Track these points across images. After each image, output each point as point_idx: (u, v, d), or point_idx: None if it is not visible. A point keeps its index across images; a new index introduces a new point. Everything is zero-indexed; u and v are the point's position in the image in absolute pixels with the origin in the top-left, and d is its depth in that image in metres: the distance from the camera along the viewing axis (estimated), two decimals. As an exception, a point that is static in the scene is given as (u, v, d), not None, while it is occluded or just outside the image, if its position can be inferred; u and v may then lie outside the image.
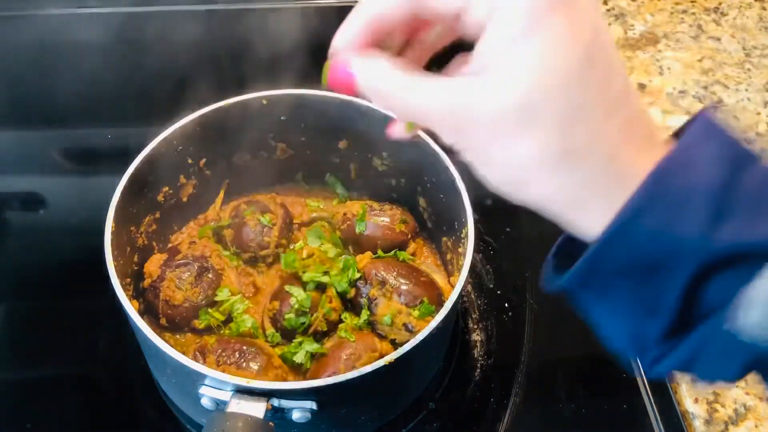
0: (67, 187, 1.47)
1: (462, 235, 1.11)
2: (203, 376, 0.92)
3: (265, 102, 1.21)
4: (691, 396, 1.15)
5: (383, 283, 1.13)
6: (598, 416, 1.18)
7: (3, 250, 1.37)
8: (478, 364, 1.23)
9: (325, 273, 1.17)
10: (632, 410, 1.18)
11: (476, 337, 1.26)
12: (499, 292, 1.31)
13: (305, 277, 1.16)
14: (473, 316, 1.28)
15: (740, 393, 1.15)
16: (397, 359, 0.94)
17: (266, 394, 0.91)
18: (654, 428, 1.16)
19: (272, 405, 0.91)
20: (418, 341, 0.95)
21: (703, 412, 1.14)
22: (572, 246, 0.62)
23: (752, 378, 1.14)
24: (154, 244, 1.21)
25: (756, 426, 1.12)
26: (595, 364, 1.26)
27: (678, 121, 1.52)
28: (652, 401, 1.18)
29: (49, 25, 1.76)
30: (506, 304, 1.30)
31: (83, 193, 1.44)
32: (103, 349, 1.22)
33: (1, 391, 1.18)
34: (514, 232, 1.41)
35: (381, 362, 0.94)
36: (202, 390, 0.92)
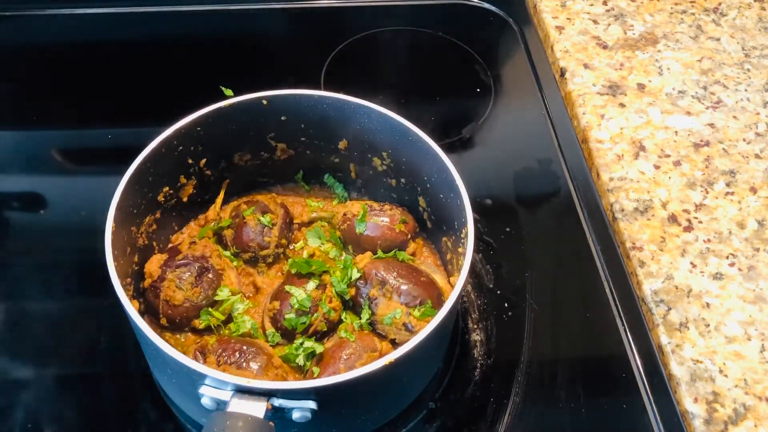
0: (67, 187, 1.47)
1: (462, 235, 1.11)
2: (203, 376, 0.92)
3: (265, 102, 1.21)
4: (690, 396, 1.15)
5: (383, 283, 1.13)
6: (598, 416, 1.18)
7: (3, 250, 1.37)
8: (478, 364, 1.23)
9: (325, 272, 1.17)
10: (632, 410, 1.18)
11: (476, 337, 1.26)
12: (499, 292, 1.31)
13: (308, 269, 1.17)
14: (473, 316, 1.28)
15: (740, 393, 1.15)
16: (397, 359, 0.94)
17: (266, 394, 0.91)
18: (654, 428, 1.16)
19: (272, 405, 0.91)
20: (418, 341, 0.95)
21: (703, 411, 1.14)
22: None
23: (752, 378, 1.15)
24: (155, 244, 1.21)
25: (755, 426, 1.12)
26: (595, 364, 1.26)
27: (677, 121, 1.52)
28: (652, 401, 1.18)
29: (49, 25, 1.77)
30: (506, 304, 1.30)
31: (83, 193, 1.45)
32: (103, 349, 1.22)
33: (1, 391, 1.18)
34: (514, 232, 1.41)
35: (381, 362, 0.94)
36: (202, 390, 0.92)
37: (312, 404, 0.93)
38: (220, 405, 0.92)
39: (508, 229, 1.41)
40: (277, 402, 0.91)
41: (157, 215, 1.20)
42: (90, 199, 1.40)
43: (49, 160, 1.50)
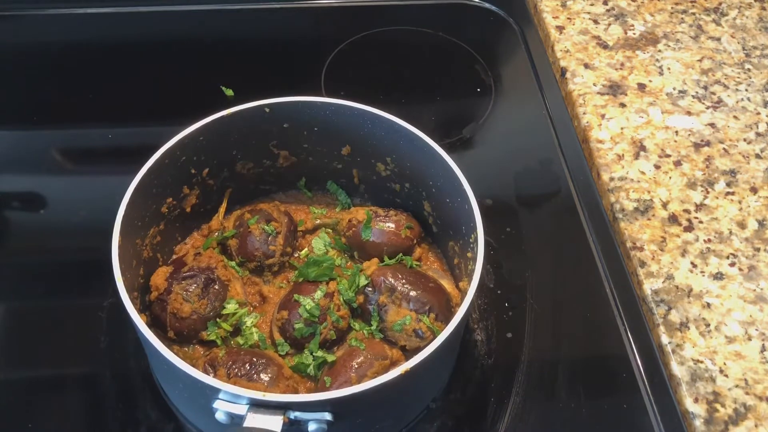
0: (67, 187, 1.46)
1: (471, 240, 1.11)
2: (217, 391, 0.91)
3: (267, 110, 1.20)
4: (691, 396, 1.16)
5: (392, 290, 1.13)
6: (598, 416, 1.19)
7: (3, 250, 1.37)
8: (479, 364, 1.23)
9: (332, 279, 1.18)
10: (632, 410, 1.19)
11: (476, 337, 1.26)
12: (499, 292, 1.32)
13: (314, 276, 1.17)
14: (473, 316, 1.28)
15: (740, 393, 1.16)
16: (413, 368, 0.94)
17: (283, 407, 0.91)
18: (654, 428, 1.17)
19: (289, 418, 0.91)
20: (433, 348, 0.95)
21: (703, 412, 1.14)
22: None
23: (752, 378, 1.15)
24: (159, 256, 1.21)
25: (756, 426, 1.13)
26: (595, 364, 1.27)
27: (678, 121, 1.52)
28: (652, 401, 1.19)
29: (49, 25, 1.76)
30: (506, 304, 1.30)
31: (83, 193, 1.44)
32: (103, 349, 1.22)
33: (1, 391, 1.18)
34: (514, 232, 1.41)
35: (397, 371, 0.93)
36: (217, 404, 0.92)
37: (328, 416, 0.93)
38: (235, 419, 0.92)
39: (508, 229, 1.41)
40: (293, 415, 0.91)
41: (161, 227, 1.19)
42: (90, 199, 1.40)
43: (49, 160, 1.50)
